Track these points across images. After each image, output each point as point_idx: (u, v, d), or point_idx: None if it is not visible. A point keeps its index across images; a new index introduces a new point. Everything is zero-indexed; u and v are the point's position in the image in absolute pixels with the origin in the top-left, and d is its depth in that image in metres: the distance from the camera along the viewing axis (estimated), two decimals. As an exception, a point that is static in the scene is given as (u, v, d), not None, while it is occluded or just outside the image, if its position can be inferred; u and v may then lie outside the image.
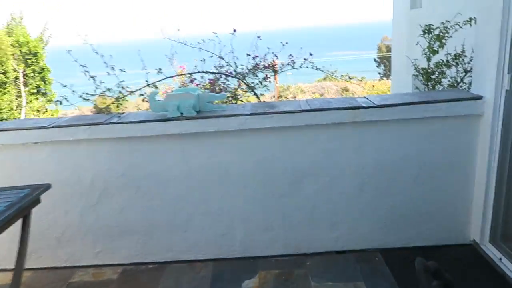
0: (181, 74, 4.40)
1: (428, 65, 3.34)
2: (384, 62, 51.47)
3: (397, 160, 2.67)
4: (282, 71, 5.60)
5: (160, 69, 3.54)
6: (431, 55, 3.21)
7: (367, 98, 2.73)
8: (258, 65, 5.64)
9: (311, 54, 5.47)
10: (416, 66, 3.40)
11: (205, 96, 2.69)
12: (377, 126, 2.60)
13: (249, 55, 5.50)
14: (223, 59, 4.75)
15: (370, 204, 2.76)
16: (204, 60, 4.39)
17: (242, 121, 2.59)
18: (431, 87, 3.38)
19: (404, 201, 2.75)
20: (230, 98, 5.49)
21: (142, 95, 3.36)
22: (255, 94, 4.31)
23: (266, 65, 5.67)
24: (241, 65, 5.28)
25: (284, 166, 2.70)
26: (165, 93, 5.30)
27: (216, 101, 2.85)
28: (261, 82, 5.38)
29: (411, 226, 2.81)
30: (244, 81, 5.35)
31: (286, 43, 5.46)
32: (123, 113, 2.87)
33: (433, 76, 3.34)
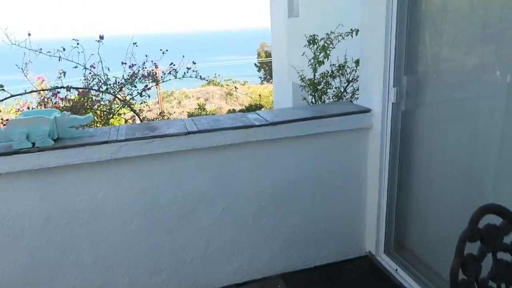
0: (34, 91, 3.67)
1: (314, 75, 3.28)
2: (264, 67, 54.05)
3: (293, 180, 2.50)
4: (163, 81, 5.16)
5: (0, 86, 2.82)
6: (317, 66, 3.15)
7: (259, 115, 2.51)
8: (136, 74, 5.11)
9: (194, 63, 5.15)
10: (302, 76, 3.33)
11: (65, 120, 2.16)
12: (271, 145, 2.40)
13: (125, 63, 4.95)
14: (93, 68, 4.12)
15: (269, 228, 2.55)
16: (64, 73, 3.73)
17: (115, 149, 2.13)
18: (318, 98, 3.33)
19: (302, 222, 2.60)
20: (105, 112, 4.85)
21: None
22: (133, 110, 3.82)
23: (145, 74, 5.17)
24: (114, 76, 4.70)
25: (171, 197, 2.32)
26: (19, 111, 4.40)
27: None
28: (140, 94, 4.87)
29: (311, 246, 2.68)
30: (119, 94, 4.77)
31: (166, 50, 5.05)
32: None
33: (319, 87, 3.29)
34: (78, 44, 3.61)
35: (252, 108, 14.92)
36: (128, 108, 4.17)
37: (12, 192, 2.08)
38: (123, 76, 4.93)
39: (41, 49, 3.59)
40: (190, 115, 17.91)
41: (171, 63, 4.92)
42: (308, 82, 3.31)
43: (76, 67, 3.78)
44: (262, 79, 57.67)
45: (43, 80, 4.13)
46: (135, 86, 4.95)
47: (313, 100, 3.41)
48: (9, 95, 2.90)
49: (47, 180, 2.11)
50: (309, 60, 3.25)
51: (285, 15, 10.13)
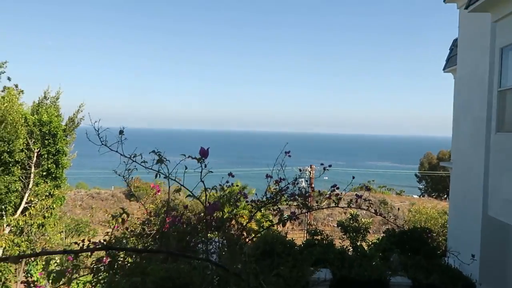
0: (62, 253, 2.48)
1: None
2: (426, 179, 49.14)
3: None
4: (318, 208, 3.64)
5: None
6: None
7: None
8: (283, 191, 3.75)
9: (368, 188, 3.54)
10: None
11: None
12: None
13: (270, 177, 3.66)
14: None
15: None
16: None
17: None
18: None
19: None
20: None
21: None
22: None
23: (296, 193, 3.75)
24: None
25: None
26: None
27: None
28: (283, 223, 3.42)
29: None
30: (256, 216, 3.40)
31: (330, 166, 3.60)
32: None
33: None
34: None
35: (417, 232, 12.13)
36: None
37: None
38: (265, 193, 3.61)
39: (135, 154, 2.55)
40: (341, 224, 16.03)
41: (334, 186, 3.40)
42: None
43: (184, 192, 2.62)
44: (423, 191, 52.29)
45: (159, 191, 3.13)
46: (279, 208, 3.54)
47: None
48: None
49: None
50: None
51: (482, 129, 7.93)
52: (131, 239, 2.88)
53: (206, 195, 2.42)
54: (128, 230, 3.12)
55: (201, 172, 2.31)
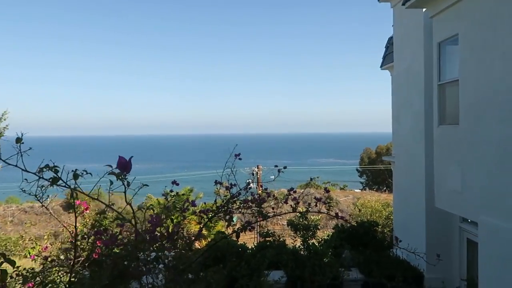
0: None
1: None
2: (367, 173, 51.28)
3: None
4: (275, 214, 3.36)
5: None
6: None
7: None
8: (235, 197, 3.44)
9: (327, 190, 3.32)
10: None
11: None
12: None
13: (219, 183, 3.32)
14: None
15: None
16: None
17: None
18: None
19: None
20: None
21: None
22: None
23: (249, 199, 3.45)
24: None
25: None
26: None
27: None
28: (237, 233, 3.10)
29: None
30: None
31: (283, 168, 3.34)
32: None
33: None
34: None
35: (365, 227, 12.38)
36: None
37: None
38: (215, 201, 3.27)
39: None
40: (291, 223, 15.99)
41: (291, 190, 3.14)
42: None
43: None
44: (364, 185, 54.53)
45: (87, 209, 2.66)
46: (231, 219, 3.20)
47: None
48: None
49: None
50: None
51: (421, 123, 8.16)
52: (53, 270, 2.38)
53: (135, 222, 2.02)
54: (49, 260, 2.60)
55: (124, 191, 1.89)
